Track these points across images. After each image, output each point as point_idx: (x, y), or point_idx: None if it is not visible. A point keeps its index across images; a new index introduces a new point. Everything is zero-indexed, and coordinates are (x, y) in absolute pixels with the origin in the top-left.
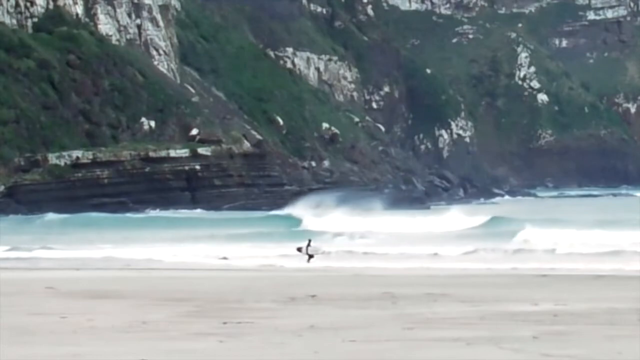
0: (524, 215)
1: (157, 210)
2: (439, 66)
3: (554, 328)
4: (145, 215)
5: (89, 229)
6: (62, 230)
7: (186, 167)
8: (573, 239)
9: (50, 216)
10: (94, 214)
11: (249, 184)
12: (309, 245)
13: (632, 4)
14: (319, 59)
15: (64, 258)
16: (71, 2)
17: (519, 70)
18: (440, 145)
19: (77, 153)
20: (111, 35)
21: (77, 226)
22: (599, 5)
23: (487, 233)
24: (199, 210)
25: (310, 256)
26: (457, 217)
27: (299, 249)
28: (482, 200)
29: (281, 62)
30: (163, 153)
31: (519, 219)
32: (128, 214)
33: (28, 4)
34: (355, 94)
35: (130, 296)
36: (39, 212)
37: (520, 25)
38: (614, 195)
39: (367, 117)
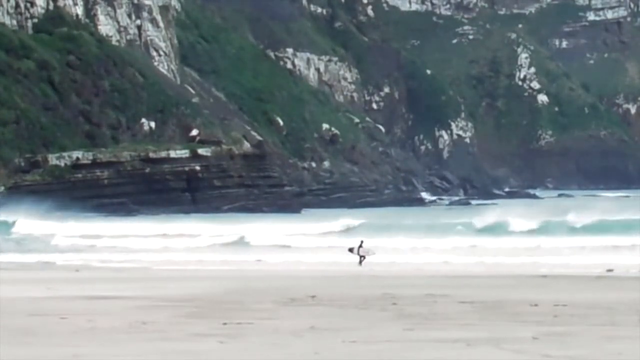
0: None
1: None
2: (439, 67)
3: (554, 329)
4: None
5: None
6: None
7: (186, 168)
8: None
9: None
10: None
11: (249, 184)
12: (360, 246)
13: (632, 5)
14: (319, 59)
15: None
16: (71, 3)
17: (519, 71)
18: (441, 146)
19: (77, 154)
20: (111, 36)
21: None
22: (599, 6)
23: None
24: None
25: (362, 257)
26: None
27: (351, 250)
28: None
29: (281, 62)
30: (163, 154)
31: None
32: None
33: (28, 5)
34: (355, 94)
35: (130, 297)
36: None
37: (520, 26)
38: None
39: (367, 118)
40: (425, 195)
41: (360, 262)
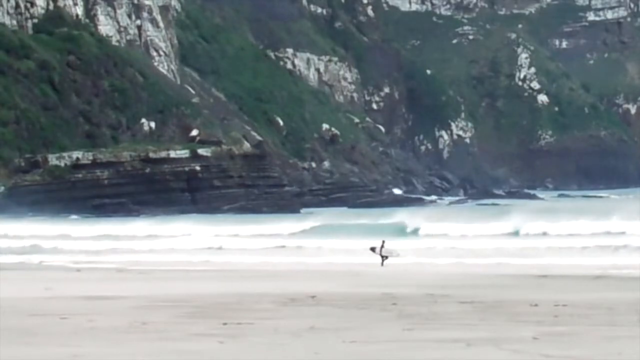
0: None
1: None
2: (439, 67)
3: (554, 329)
4: None
5: None
6: None
7: (186, 168)
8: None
9: None
10: None
11: (249, 184)
12: (382, 246)
13: (632, 5)
14: (319, 59)
15: None
16: (71, 3)
17: (519, 71)
18: (441, 146)
19: (77, 154)
20: (111, 36)
21: None
22: (599, 6)
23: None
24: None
25: (384, 257)
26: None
27: (373, 249)
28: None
29: (281, 63)
30: (163, 154)
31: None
32: None
33: (28, 5)
34: (355, 94)
35: (130, 297)
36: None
37: (520, 26)
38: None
39: (367, 118)
40: (424, 195)
41: (383, 262)
